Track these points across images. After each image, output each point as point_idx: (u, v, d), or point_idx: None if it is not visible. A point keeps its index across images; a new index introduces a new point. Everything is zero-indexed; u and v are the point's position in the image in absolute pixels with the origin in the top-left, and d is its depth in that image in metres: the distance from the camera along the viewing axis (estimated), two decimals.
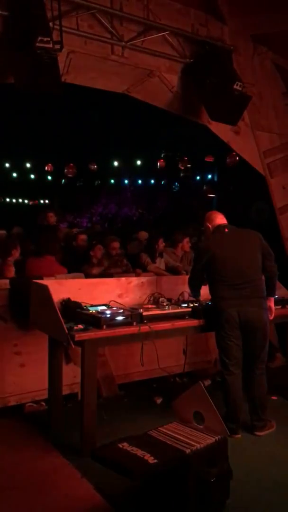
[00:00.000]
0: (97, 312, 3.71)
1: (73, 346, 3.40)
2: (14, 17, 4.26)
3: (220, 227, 4.02)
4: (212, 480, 2.71)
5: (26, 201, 24.91)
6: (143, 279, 4.62)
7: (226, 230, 4.00)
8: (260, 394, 3.91)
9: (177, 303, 4.24)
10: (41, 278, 4.34)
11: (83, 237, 6.78)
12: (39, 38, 4.04)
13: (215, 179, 17.54)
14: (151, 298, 4.30)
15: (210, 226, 4.09)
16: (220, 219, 4.09)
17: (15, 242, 5.34)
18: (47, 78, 4.23)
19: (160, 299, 4.21)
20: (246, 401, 3.94)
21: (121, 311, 3.75)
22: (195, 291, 4.16)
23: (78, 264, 5.80)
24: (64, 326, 3.40)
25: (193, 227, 9.23)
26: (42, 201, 23.57)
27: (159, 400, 4.62)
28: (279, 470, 3.37)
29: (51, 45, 4.13)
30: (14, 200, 24.60)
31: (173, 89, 5.62)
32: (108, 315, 3.61)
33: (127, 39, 5.06)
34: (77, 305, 3.82)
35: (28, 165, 18.06)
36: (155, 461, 2.56)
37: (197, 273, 4.03)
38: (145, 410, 4.37)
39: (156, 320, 3.81)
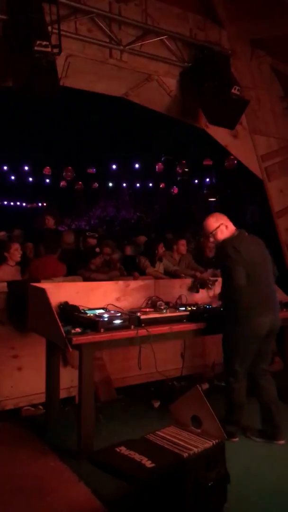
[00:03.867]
0: (95, 315, 3.71)
1: (70, 349, 3.39)
2: (13, 21, 4.27)
3: (241, 230, 3.84)
4: (209, 484, 2.70)
5: (24, 204, 24.91)
6: (141, 282, 4.62)
7: (247, 234, 3.86)
8: (275, 396, 3.83)
9: (175, 307, 4.23)
10: (38, 281, 4.33)
11: (93, 241, 6.70)
12: (38, 42, 4.05)
13: (213, 182, 17.59)
14: (149, 302, 4.30)
15: (227, 226, 3.82)
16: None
17: (8, 245, 5.26)
18: (46, 82, 4.24)
19: (158, 303, 4.20)
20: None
21: (119, 314, 3.75)
22: (243, 302, 3.58)
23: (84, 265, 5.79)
24: (62, 329, 3.39)
25: (190, 231, 9.23)
26: (40, 204, 23.58)
27: (156, 404, 4.61)
28: (277, 474, 3.36)
29: (49, 49, 4.14)
30: (12, 203, 24.59)
31: (171, 93, 5.64)
32: (106, 319, 3.61)
33: (126, 43, 5.07)
34: (75, 308, 3.82)
35: (26, 168, 18.08)
36: (153, 465, 2.55)
37: (242, 280, 3.54)
38: (143, 414, 4.36)
39: (154, 324, 3.80)
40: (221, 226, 3.81)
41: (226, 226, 3.82)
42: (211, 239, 3.90)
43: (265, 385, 3.84)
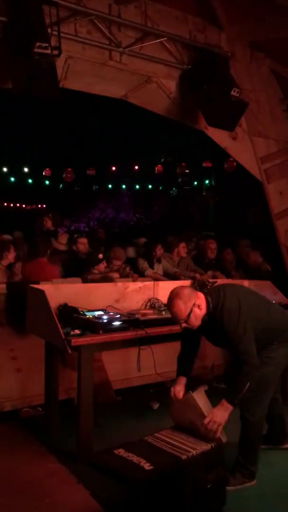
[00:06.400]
0: (94, 317, 3.70)
1: (69, 351, 3.39)
2: (12, 23, 4.28)
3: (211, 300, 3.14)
4: (208, 487, 2.70)
5: (24, 206, 24.90)
6: (140, 284, 4.62)
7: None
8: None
9: None
10: (38, 283, 4.33)
11: (83, 240, 6.66)
12: (38, 44, 4.05)
13: (213, 184, 17.60)
14: (148, 303, 4.30)
15: (199, 305, 3.07)
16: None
17: (8, 245, 5.29)
18: (45, 84, 4.24)
19: (157, 304, 4.20)
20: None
21: (118, 316, 3.75)
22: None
23: (80, 268, 5.74)
24: (61, 331, 3.39)
25: (190, 233, 9.22)
26: (40, 206, 23.58)
27: (155, 406, 4.61)
28: (276, 476, 3.36)
29: (49, 51, 4.15)
30: (12, 205, 24.58)
31: (170, 95, 5.65)
32: (105, 320, 3.61)
33: (125, 45, 5.08)
34: (74, 310, 3.81)
35: (26, 169, 18.09)
36: (151, 467, 2.55)
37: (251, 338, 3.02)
38: (142, 416, 4.36)
39: (153, 325, 3.81)
40: (194, 308, 3.02)
41: (199, 306, 3.04)
42: (183, 325, 3.10)
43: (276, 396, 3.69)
